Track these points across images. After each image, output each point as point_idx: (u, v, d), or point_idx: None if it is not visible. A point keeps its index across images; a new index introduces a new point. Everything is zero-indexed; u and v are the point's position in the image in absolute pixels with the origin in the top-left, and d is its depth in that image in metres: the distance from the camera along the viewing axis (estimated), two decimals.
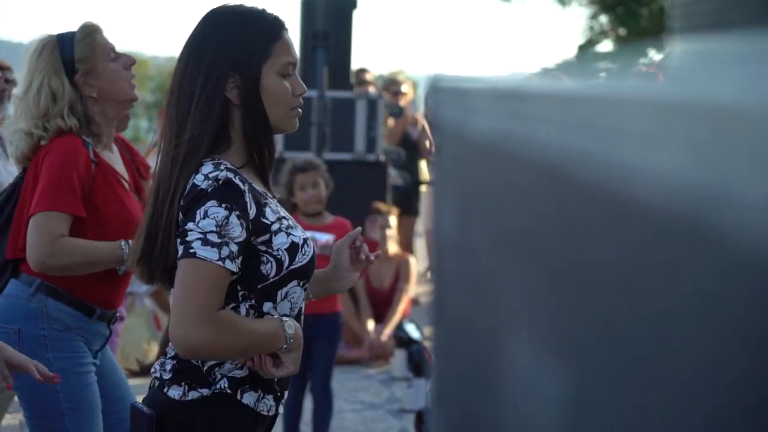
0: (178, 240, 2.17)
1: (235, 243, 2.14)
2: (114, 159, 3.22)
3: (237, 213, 2.15)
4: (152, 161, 2.85)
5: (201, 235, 2.13)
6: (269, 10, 2.36)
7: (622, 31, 21.99)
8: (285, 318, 2.26)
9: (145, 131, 26.09)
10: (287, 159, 5.80)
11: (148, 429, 2.29)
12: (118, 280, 3.18)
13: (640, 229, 0.51)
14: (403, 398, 6.03)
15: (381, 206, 7.26)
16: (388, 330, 6.97)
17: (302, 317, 2.38)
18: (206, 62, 2.26)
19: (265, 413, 2.33)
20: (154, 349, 6.71)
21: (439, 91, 1.00)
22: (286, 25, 2.36)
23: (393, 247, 7.26)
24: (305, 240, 2.30)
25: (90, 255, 3.05)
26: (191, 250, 2.13)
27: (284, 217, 2.30)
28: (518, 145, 0.68)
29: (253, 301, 2.26)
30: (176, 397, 2.28)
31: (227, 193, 2.16)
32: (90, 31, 3.17)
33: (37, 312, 3.05)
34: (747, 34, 0.90)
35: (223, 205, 2.14)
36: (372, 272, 7.19)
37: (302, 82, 2.35)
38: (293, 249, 2.25)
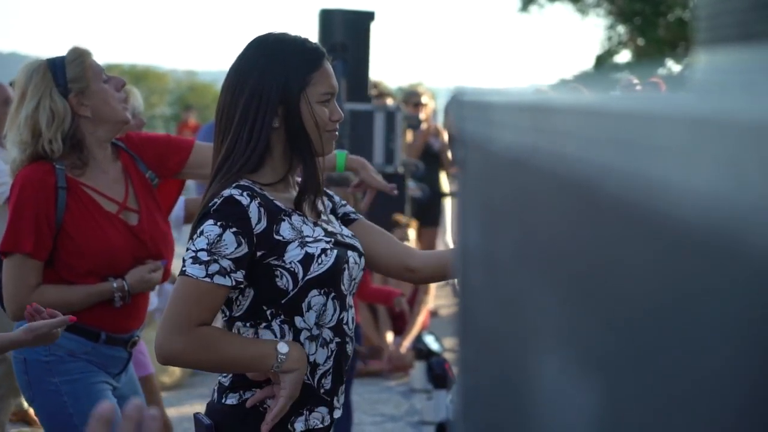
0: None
1: (228, 259, 2.23)
2: (104, 181, 3.18)
3: (233, 230, 2.24)
4: None
5: (193, 254, 2.25)
6: (311, 40, 2.45)
7: (640, 42, 21.98)
8: (283, 340, 2.31)
9: None
10: None
11: None
12: (124, 304, 3.17)
13: (668, 245, 0.51)
14: (423, 410, 6.02)
15: (400, 218, 7.26)
16: (407, 342, 6.96)
17: (347, 326, 2.42)
18: (250, 92, 2.34)
19: (320, 425, 2.38)
20: None
21: (462, 104, 1.00)
22: (325, 55, 2.46)
23: None
24: (324, 250, 2.34)
25: (68, 302, 3.06)
26: (183, 268, 2.26)
27: (307, 235, 2.34)
28: (544, 159, 0.68)
29: (282, 317, 2.32)
30: (233, 404, 2.35)
31: (225, 211, 2.25)
32: (80, 53, 3.16)
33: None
34: None
35: (218, 224, 2.24)
36: (391, 284, 7.19)
37: (339, 108, 2.42)
38: (307, 260, 2.31)
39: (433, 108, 9.47)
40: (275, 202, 2.34)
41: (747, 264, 0.44)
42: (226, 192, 2.27)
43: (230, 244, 2.24)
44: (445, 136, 8.82)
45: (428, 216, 8.64)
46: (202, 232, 2.25)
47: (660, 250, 0.52)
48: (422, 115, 8.95)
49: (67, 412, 3.05)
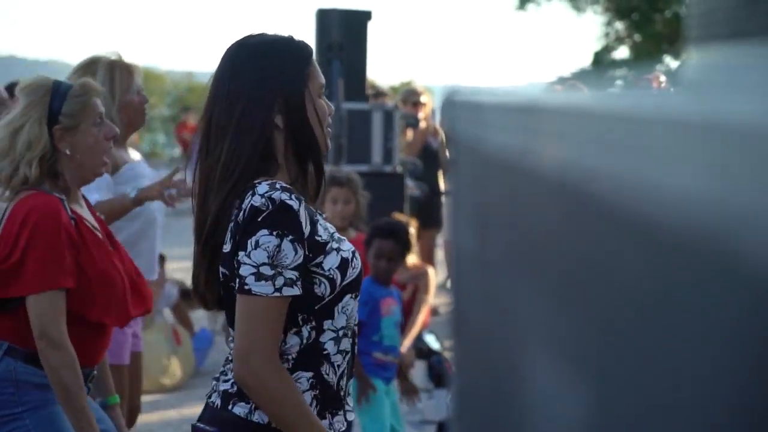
0: (235, 269, 2.20)
1: (291, 269, 2.17)
2: (83, 210, 3.17)
3: (290, 237, 2.17)
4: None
5: (254, 269, 2.16)
6: (296, 37, 2.40)
7: (637, 38, 21.97)
8: None
9: (162, 145, 26.19)
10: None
11: None
12: (90, 339, 3.14)
13: (655, 247, 0.51)
14: (424, 409, 6.02)
15: (399, 217, 7.26)
16: (408, 341, 6.96)
17: (356, 325, 2.40)
18: (249, 93, 2.28)
19: (343, 429, 2.36)
20: (174, 364, 6.71)
21: (454, 104, 1.00)
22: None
23: (412, 258, 7.26)
24: (354, 253, 2.32)
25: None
26: (246, 287, 2.17)
27: (334, 232, 2.32)
28: (534, 160, 0.68)
29: (313, 323, 2.28)
30: (241, 415, 2.26)
31: (279, 218, 2.17)
32: (86, 90, 3.13)
33: (6, 375, 3.01)
34: (764, 44, 0.90)
35: (275, 233, 2.16)
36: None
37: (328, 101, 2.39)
38: (344, 265, 2.27)
39: (431, 107, 9.47)
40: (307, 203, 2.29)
41: (733, 266, 0.44)
42: (275, 194, 2.17)
43: (289, 253, 2.16)
44: (443, 135, 8.82)
45: (427, 216, 8.63)
46: (257, 244, 2.16)
47: (648, 252, 0.53)
48: (421, 114, 8.94)
49: None
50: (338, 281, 2.26)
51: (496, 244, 0.81)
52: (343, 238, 2.34)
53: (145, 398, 6.48)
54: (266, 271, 2.16)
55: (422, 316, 7.19)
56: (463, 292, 0.97)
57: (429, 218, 8.73)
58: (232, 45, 2.37)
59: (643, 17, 21.50)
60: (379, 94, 8.82)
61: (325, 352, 2.30)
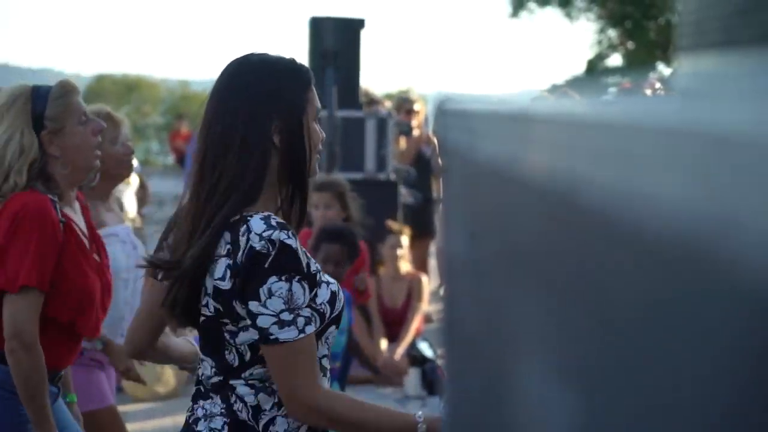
0: (246, 318, 2.19)
1: (306, 307, 2.19)
2: (76, 215, 3.16)
3: (297, 278, 2.17)
4: None
5: (275, 318, 2.17)
6: (297, 60, 2.37)
7: (630, 45, 22.01)
8: (419, 414, 2.27)
9: (155, 153, 26.16)
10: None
11: None
12: (62, 341, 3.11)
13: (645, 253, 0.51)
14: None
15: (393, 225, 7.27)
16: (401, 349, 6.96)
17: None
18: (248, 108, 2.26)
19: None
20: (168, 372, 6.70)
21: (445, 112, 1.00)
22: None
23: (405, 266, 7.26)
24: (337, 285, 2.32)
25: None
26: (272, 337, 2.17)
27: (316, 263, 2.31)
28: (523, 168, 0.68)
29: None
30: None
31: (284, 261, 2.16)
32: (66, 91, 3.11)
33: None
34: (755, 53, 0.90)
35: (283, 278, 2.16)
36: (384, 291, 7.19)
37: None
38: (333, 298, 2.27)
39: (425, 114, 9.47)
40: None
41: (720, 272, 0.44)
42: (275, 235, 2.15)
43: (299, 292, 2.17)
44: (436, 143, 8.82)
45: (421, 223, 8.64)
46: (270, 292, 2.15)
47: (638, 259, 0.53)
48: (414, 122, 8.95)
49: None
50: (327, 314, 2.26)
51: (487, 252, 0.81)
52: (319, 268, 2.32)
53: (139, 406, 6.48)
54: (286, 317, 2.17)
55: (415, 324, 7.20)
56: (454, 299, 0.97)
57: (422, 226, 8.72)
58: (233, 62, 2.34)
59: (636, 25, 21.54)
60: (372, 101, 8.82)
61: None
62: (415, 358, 6.53)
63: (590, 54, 23.01)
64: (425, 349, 6.56)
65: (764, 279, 0.40)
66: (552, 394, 0.66)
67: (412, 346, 6.80)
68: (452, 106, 0.97)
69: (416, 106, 9.10)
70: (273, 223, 2.18)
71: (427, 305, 7.56)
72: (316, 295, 2.23)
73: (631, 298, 0.54)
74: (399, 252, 7.18)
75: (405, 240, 7.29)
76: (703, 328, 0.45)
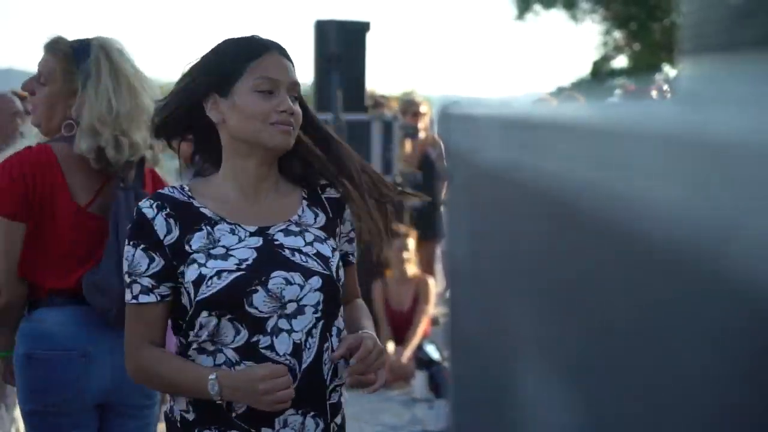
0: None
1: (146, 276, 2.29)
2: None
3: (142, 246, 2.29)
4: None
5: (125, 279, 2.34)
6: (263, 36, 2.40)
7: (636, 46, 22.01)
8: (216, 371, 2.26)
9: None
10: None
11: None
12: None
13: (648, 259, 0.51)
14: (424, 419, 6.02)
15: (399, 228, 7.27)
16: (409, 351, 6.96)
17: (272, 351, 2.28)
18: (190, 84, 2.37)
19: None
20: None
21: (449, 117, 1.01)
22: (276, 48, 2.37)
23: (411, 269, 7.26)
24: (219, 272, 2.26)
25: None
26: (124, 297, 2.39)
27: (224, 245, 2.31)
28: (527, 174, 0.68)
29: (185, 329, 2.34)
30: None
31: (135, 228, 2.31)
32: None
33: None
34: (757, 55, 0.90)
35: (131, 243, 2.31)
36: (391, 294, 7.19)
37: (288, 100, 2.33)
38: (198, 281, 2.26)
39: (430, 117, 9.47)
40: (201, 209, 2.32)
41: (720, 279, 0.45)
42: (140, 205, 2.32)
43: (141, 261, 2.28)
44: (442, 146, 8.81)
45: (427, 226, 8.63)
46: (125, 256, 2.32)
47: (640, 265, 0.53)
48: (420, 125, 8.95)
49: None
50: (192, 295, 2.27)
51: (489, 257, 0.82)
52: (233, 256, 2.29)
53: None
54: (126, 279, 2.32)
55: (422, 326, 7.20)
56: (458, 302, 0.97)
57: (429, 229, 8.72)
58: None
59: (641, 26, 21.54)
60: (378, 104, 8.82)
61: (192, 360, 2.32)
62: (422, 360, 6.53)
63: (596, 56, 23.01)
64: (432, 351, 6.55)
65: (765, 286, 0.40)
66: (555, 397, 0.66)
67: (420, 348, 6.79)
68: (456, 111, 0.97)
69: (422, 109, 9.09)
70: (156, 195, 2.34)
71: (433, 308, 7.56)
72: (184, 272, 2.28)
73: (632, 303, 0.54)
74: (405, 255, 7.18)
75: (411, 243, 7.29)
76: (704, 333, 0.46)
